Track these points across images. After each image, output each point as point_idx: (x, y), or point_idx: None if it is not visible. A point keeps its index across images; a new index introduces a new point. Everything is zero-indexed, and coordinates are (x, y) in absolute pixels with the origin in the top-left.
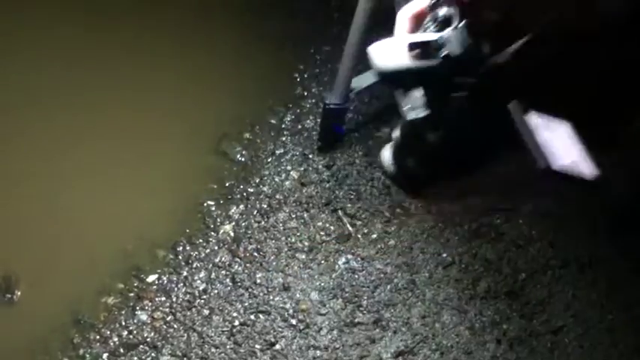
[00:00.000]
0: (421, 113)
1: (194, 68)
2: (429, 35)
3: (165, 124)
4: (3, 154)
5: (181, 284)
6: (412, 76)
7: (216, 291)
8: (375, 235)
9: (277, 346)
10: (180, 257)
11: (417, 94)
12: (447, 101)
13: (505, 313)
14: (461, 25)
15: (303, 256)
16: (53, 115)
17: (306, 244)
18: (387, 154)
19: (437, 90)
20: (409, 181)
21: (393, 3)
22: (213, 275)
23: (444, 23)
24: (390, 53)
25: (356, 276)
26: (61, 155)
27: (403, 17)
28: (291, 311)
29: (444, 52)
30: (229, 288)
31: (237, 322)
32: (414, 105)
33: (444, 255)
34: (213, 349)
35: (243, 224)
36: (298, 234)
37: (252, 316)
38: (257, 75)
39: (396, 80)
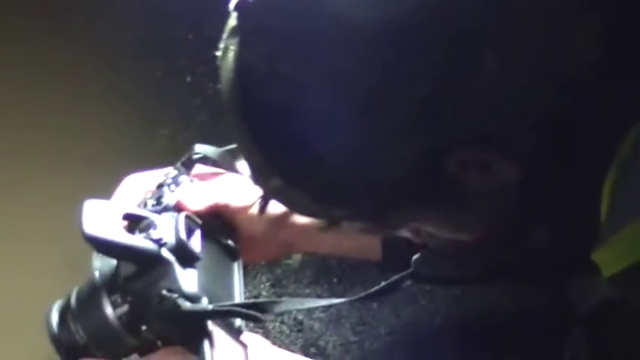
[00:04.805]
0: None
1: None
2: (145, 211)
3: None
4: None
5: None
6: (121, 251)
7: None
8: None
9: None
10: None
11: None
12: None
13: None
14: (179, 216)
15: None
16: None
17: None
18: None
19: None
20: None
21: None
22: None
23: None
24: (104, 218)
25: None
26: None
27: (131, 182)
28: None
29: (156, 235)
30: None
31: None
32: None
33: None
34: None
35: None
36: None
37: None
38: None
39: (108, 252)
